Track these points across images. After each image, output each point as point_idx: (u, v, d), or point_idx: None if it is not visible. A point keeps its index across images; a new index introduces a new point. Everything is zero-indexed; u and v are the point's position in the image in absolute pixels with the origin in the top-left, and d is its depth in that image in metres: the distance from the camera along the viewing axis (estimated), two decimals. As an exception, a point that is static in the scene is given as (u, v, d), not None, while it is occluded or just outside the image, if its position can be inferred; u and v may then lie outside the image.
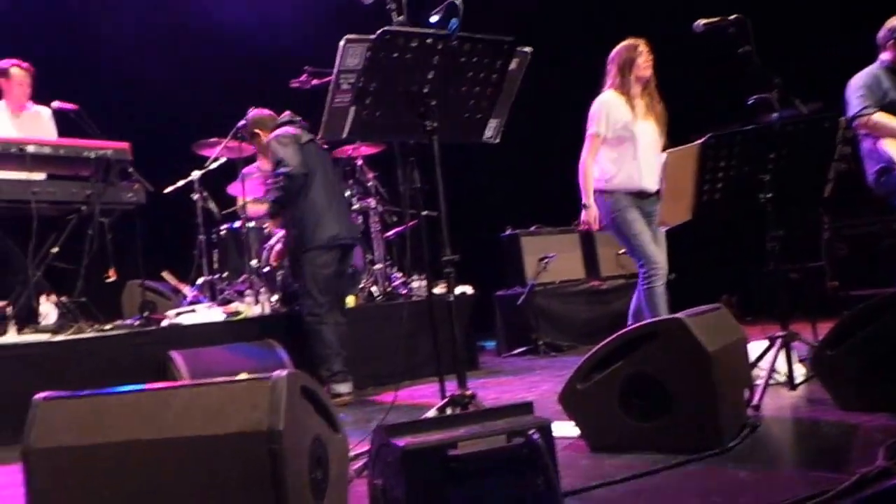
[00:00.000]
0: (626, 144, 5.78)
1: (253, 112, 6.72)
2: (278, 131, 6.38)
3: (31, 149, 6.03)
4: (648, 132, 5.84)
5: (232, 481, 2.55)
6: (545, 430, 2.49)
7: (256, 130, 6.64)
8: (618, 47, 5.87)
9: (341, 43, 3.73)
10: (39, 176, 6.28)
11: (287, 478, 2.53)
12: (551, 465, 2.47)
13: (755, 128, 4.73)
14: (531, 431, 2.46)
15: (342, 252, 6.39)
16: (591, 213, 5.87)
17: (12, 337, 5.83)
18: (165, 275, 8.12)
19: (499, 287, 9.01)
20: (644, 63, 5.79)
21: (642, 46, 5.81)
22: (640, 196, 5.78)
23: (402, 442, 2.44)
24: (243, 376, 2.80)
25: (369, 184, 8.17)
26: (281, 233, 6.80)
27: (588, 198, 5.86)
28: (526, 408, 2.62)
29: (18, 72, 6.99)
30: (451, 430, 2.53)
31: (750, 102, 5.14)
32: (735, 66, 5.04)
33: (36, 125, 7.03)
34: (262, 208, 7.68)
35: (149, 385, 2.88)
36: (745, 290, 8.41)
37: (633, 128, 5.77)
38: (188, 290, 7.74)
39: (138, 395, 2.79)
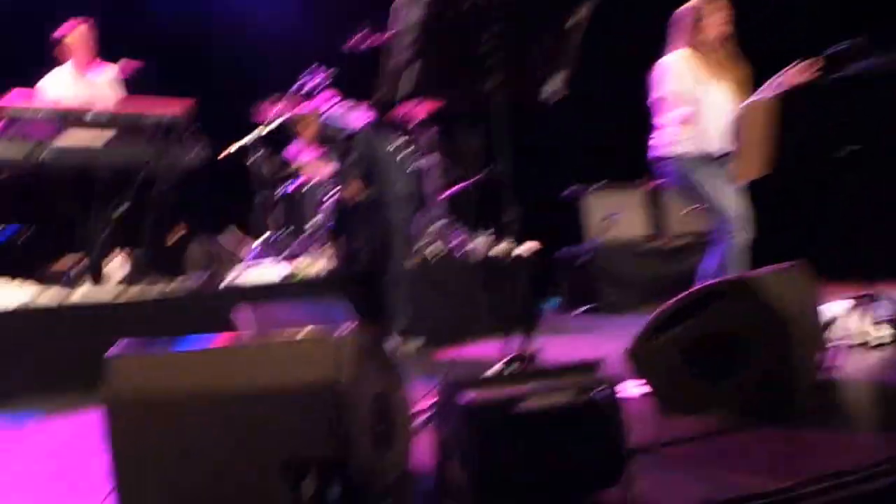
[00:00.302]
0: (692, 107, 5.66)
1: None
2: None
3: (95, 111, 6.17)
4: (718, 94, 5.68)
5: (297, 434, 2.62)
6: (611, 387, 2.49)
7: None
8: (687, 4, 5.71)
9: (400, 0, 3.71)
10: (104, 137, 6.36)
11: (352, 429, 2.61)
12: (617, 423, 2.46)
13: (834, 78, 4.61)
14: (597, 389, 2.46)
15: (407, 213, 6.39)
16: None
17: (82, 294, 5.99)
18: (229, 233, 8.20)
19: (562, 245, 8.94)
20: (715, 22, 5.62)
21: (714, 4, 5.63)
22: (710, 158, 5.64)
23: (467, 397, 2.47)
24: (307, 332, 2.87)
25: (429, 142, 8.14)
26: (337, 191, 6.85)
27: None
28: (593, 365, 2.61)
29: (78, 32, 7.10)
30: (517, 385, 2.54)
31: (828, 53, 5.00)
32: (815, 16, 4.92)
33: (102, 85, 7.14)
34: (322, 167, 7.71)
35: (219, 339, 2.97)
36: (821, 249, 8.26)
37: (700, 90, 5.64)
38: (251, 248, 7.80)
39: (209, 348, 2.89)
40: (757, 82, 5.62)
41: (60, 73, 7.16)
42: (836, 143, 4.58)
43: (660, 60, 5.74)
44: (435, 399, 2.67)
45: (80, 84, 7.14)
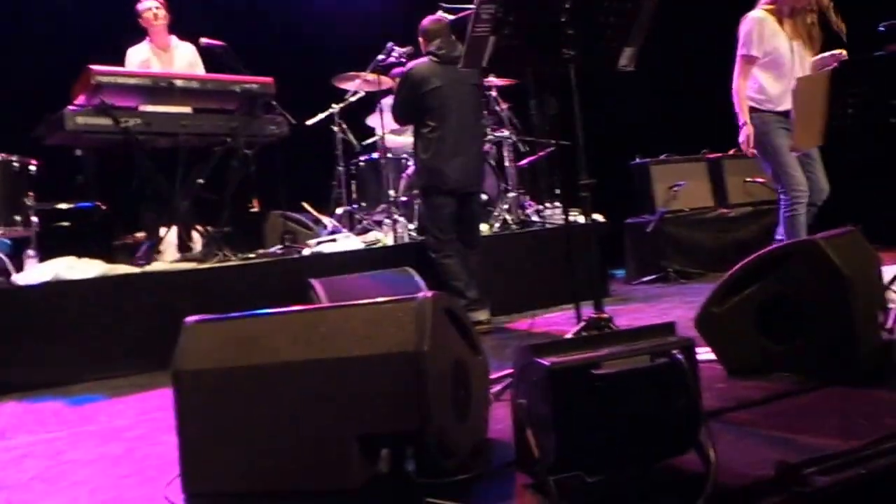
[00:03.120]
0: (774, 65, 5.67)
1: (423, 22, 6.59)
2: (411, 64, 6.46)
3: (179, 83, 6.23)
4: (798, 54, 5.71)
5: (378, 401, 2.62)
6: (688, 349, 2.51)
7: (420, 39, 6.59)
8: None
9: (482, -25, 3.78)
10: (187, 109, 6.50)
11: (432, 397, 2.59)
12: (694, 385, 2.49)
13: (887, 54, 4.61)
14: (675, 351, 2.49)
15: (462, 197, 6.38)
16: (746, 133, 5.77)
17: (161, 265, 6.09)
18: (306, 205, 8.32)
19: (627, 215, 9.00)
20: None
21: None
22: (786, 118, 5.64)
23: (547, 361, 2.43)
24: (385, 301, 2.87)
25: (503, 114, 8.20)
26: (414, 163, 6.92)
27: (744, 117, 5.77)
28: (668, 328, 2.64)
29: (144, 8, 7.22)
30: (595, 349, 2.52)
31: (881, 28, 4.99)
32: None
33: (181, 61, 7.28)
34: (399, 139, 7.82)
35: (295, 308, 2.96)
36: (878, 216, 8.21)
37: (783, 49, 5.66)
38: (328, 220, 7.90)
39: (285, 317, 2.88)
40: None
41: (139, 50, 7.28)
42: (887, 116, 4.58)
43: (746, 15, 5.75)
44: (514, 364, 2.68)
45: (160, 59, 7.27)
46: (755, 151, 5.80)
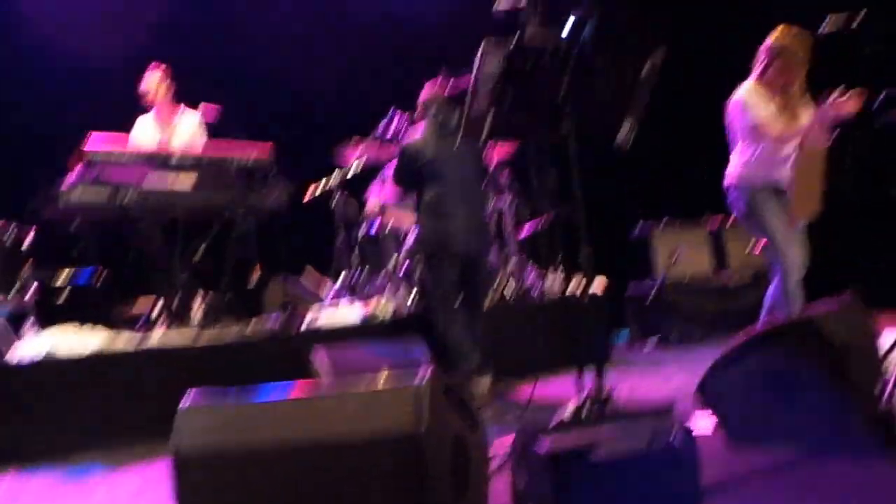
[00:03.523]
0: (764, 137, 5.65)
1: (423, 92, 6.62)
2: (410, 133, 6.54)
3: (177, 157, 6.26)
4: (787, 129, 5.65)
5: (377, 483, 2.62)
6: (687, 433, 2.52)
7: (419, 109, 6.61)
8: (778, 37, 5.62)
9: (480, 49, 3.81)
10: (187, 181, 6.50)
11: (431, 479, 2.60)
12: (693, 470, 2.50)
13: (886, 122, 4.65)
14: (673, 435, 2.49)
15: (466, 261, 6.35)
16: None
17: (160, 335, 6.06)
18: (307, 273, 8.33)
19: (628, 280, 9.03)
20: (799, 61, 5.57)
21: (801, 41, 5.55)
22: (779, 191, 5.63)
23: (546, 443, 2.47)
24: (385, 378, 2.85)
25: (503, 182, 8.23)
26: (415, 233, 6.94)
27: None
28: (667, 410, 2.65)
29: (154, 78, 7.13)
30: (594, 431, 2.56)
31: (881, 98, 5.02)
32: (863, 61, 4.94)
33: (185, 130, 7.19)
34: (399, 211, 7.85)
35: (294, 388, 2.96)
36: (871, 280, 8.22)
37: (772, 121, 5.57)
38: (329, 289, 7.91)
39: (284, 398, 2.89)
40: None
41: (145, 121, 7.24)
42: (884, 183, 4.63)
43: (736, 91, 5.73)
44: (514, 444, 2.68)
45: (163, 131, 7.21)
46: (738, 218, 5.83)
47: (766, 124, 5.55)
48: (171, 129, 7.21)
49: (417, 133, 6.41)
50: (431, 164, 6.22)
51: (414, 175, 6.28)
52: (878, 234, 6.40)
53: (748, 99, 5.64)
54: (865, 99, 5.08)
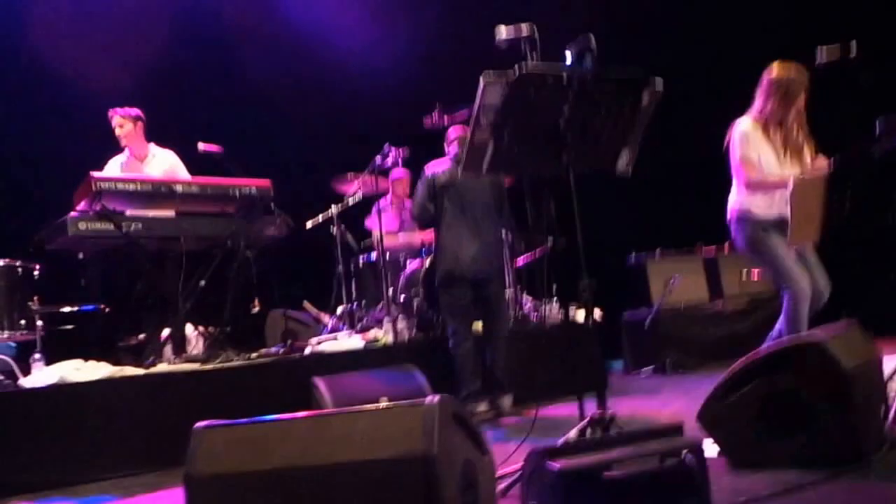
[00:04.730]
0: (766, 172, 5.71)
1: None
2: (430, 166, 6.72)
3: (179, 188, 6.31)
4: (787, 162, 5.61)
5: (389, 503, 2.61)
6: (697, 451, 2.55)
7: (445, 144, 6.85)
8: (777, 72, 5.63)
9: (481, 82, 3.88)
10: (189, 211, 6.55)
11: (441, 501, 2.58)
12: (705, 486, 2.53)
13: (883, 152, 4.72)
14: (684, 453, 2.52)
15: (477, 284, 6.56)
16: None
17: (164, 367, 6.08)
18: (306, 305, 8.37)
19: (623, 309, 9.10)
20: (798, 94, 5.58)
21: (798, 74, 5.57)
22: (780, 222, 5.58)
23: (557, 464, 2.47)
24: (387, 403, 2.85)
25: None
26: (413, 263, 7.04)
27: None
28: (676, 429, 2.68)
29: (114, 120, 7.12)
30: (604, 452, 2.57)
31: (877, 126, 5.08)
32: (856, 90, 5.03)
33: (156, 169, 7.15)
34: (395, 240, 7.95)
35: (303, 413, 2.96)
36: (871, 306, 8.28)
37: (770, 158, 5.59)
38: (328, 319, 7.95)
39: (295, 422, 2.88)
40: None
41: (117, 160, 7.22)
42: (881, 212, 4.71)
43: (735, 123, 5.73)
44: (525, 466, 2.69)
45: (133, 169, 7.14)
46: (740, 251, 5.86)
47: (750, 165, 5.60)
48: (141, 166, 7.19)
49: (440, 161, 6.67)
50: (449, 190, 6.53)
51: (432, 201, 6.56)
52: (876, 262, 6.44)
53: (746, 133, 5.66)
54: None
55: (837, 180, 4.69)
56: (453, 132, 6.77)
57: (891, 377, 4.59)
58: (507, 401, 6.50)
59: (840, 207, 4.75)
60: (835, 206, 4.82)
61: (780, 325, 5.64)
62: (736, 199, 5.76)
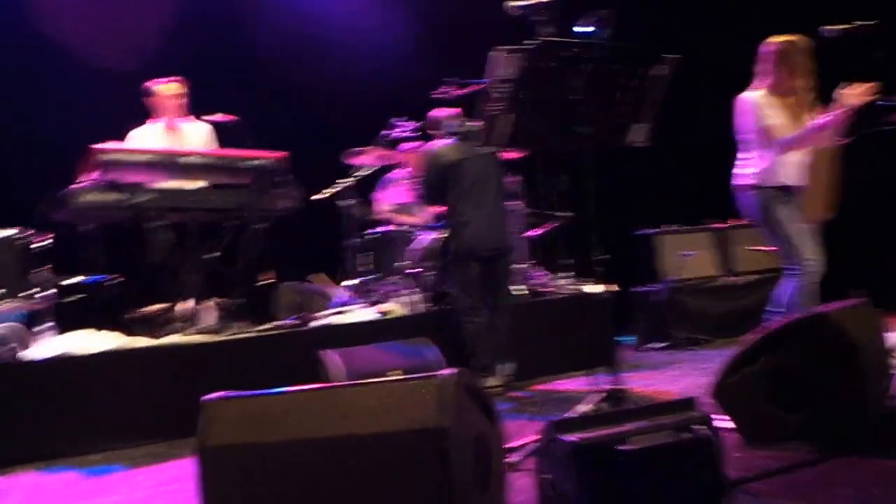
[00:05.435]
0: (773, 141, 5.68)
1: (432, 113, 6.97)
2: (430, 145, 6.72)
3: (192, 159, 6.29)
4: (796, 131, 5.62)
5: (400, 478, 2.63)
6: (710, 424, 2.55)
7: (430, 132, 6.95)
8: (778, 43, 5.66)
9: (493, 54, 3.86)
10: (200, 185, 6.52)
11: (454, 473, 2.59)
12: (718, 459, 2.53)
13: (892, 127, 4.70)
14: (698, 426, 2.53)
15: (487, 259, 6.58)
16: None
17: (176, 338, 6.10)
18: (318, 277, 8.37)
19: (634, 283, 9.08)
20: (803, 63, 5.60)
21: (801, 44, 5.59)
22: (791, 192, 5.62)
23: (572, 437, 2.48)
24: (401, 375, 2.88)
25: (512, 187, 8.28)
26: (425, 235, 7.04)
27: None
28: (690, 403, 2.68)
29: (165, 88, 7.10)
30: (618, 425, 2.57)
31: (884, 104, 5.05)
32: (868, 69, 4.99)
33: (193, 139, 7.15)
34: (408, 212, 7.94)
35: (317, 384, 3.00)
36: (879, 281, 8.27)
37: (781, 126, 5.55)
38: (340, 292, 7.95)
39: (307, 394, 2.90)
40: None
41: (152, 129, 7.15)
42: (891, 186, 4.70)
43: (742, 97, 5.72)
44: (539, 439, 2.69)
45: (171, 138, 7.14)
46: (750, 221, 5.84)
47: (777, 127, 5.57)
48: (179, 137, 7.17)
49: (443, 142, 6.67)
50: (456, 168, 6.51)
51: (441, 181, 6.56)
52: (885, 238, 6.44)
53: (760, 102, 5.64)
54: (876, 92, 5.13)
55: (847, 156, 4.66)
56: (431, 115, 6.84)
57: (892, 350, 4.58)
58: (508, 368, 6.48)
59: (849, 183, 4.73)
60: (844, 181, 4.79)
61: (786, 296, 5.61)
62: (747, 169, 5.74)
